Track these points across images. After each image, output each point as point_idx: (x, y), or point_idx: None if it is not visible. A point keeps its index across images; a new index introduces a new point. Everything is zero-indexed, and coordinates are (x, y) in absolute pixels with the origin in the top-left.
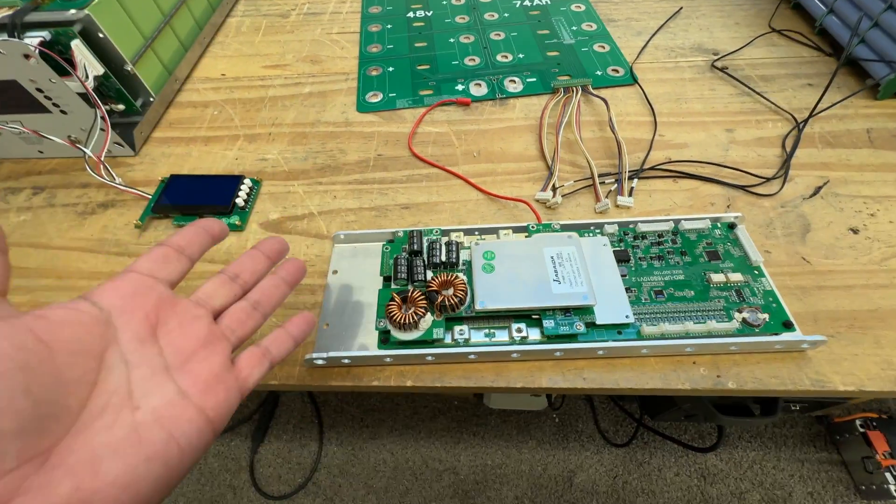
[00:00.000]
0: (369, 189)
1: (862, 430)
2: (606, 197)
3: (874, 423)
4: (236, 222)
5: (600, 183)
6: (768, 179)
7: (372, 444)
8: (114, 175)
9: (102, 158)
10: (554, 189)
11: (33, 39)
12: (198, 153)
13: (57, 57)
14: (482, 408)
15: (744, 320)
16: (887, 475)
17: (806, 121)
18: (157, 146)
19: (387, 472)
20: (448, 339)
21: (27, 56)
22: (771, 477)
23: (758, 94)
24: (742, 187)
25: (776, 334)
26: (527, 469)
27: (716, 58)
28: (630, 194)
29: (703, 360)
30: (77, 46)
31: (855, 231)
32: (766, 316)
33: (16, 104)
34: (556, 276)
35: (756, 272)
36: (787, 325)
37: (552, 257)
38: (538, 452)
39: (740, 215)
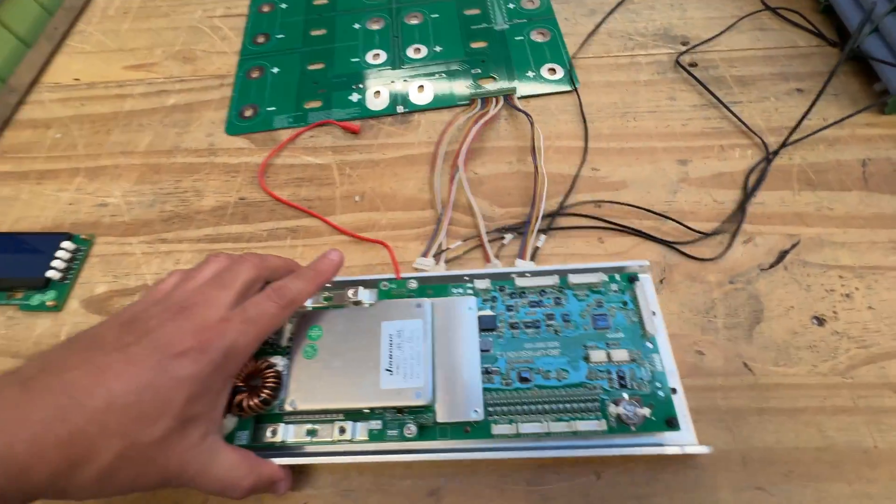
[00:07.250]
0: (221, 248)
1: None
2: (497, 257)
3: None
4: (48, 302)
5: (503, 238)
6: (706, 235)
7: None
8: None
9: None
10: (438, 254)
11: None
12: (27, 195)
13: None
14: None
15: (618, 416)
16: None
17: (776, 152)
18: None
19: None
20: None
21: None
22: None
23: (726, 107)
24: (678, 249)
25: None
26: None
27: (684, 49)
28: (533, 257)
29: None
30: None
31: (820, 322)
32: (645, 411)
33: None
34: (390, 363)
35: (649, 345)
36: (671, 423)
37: (390, 335)
38: None
39: (646, 263)
